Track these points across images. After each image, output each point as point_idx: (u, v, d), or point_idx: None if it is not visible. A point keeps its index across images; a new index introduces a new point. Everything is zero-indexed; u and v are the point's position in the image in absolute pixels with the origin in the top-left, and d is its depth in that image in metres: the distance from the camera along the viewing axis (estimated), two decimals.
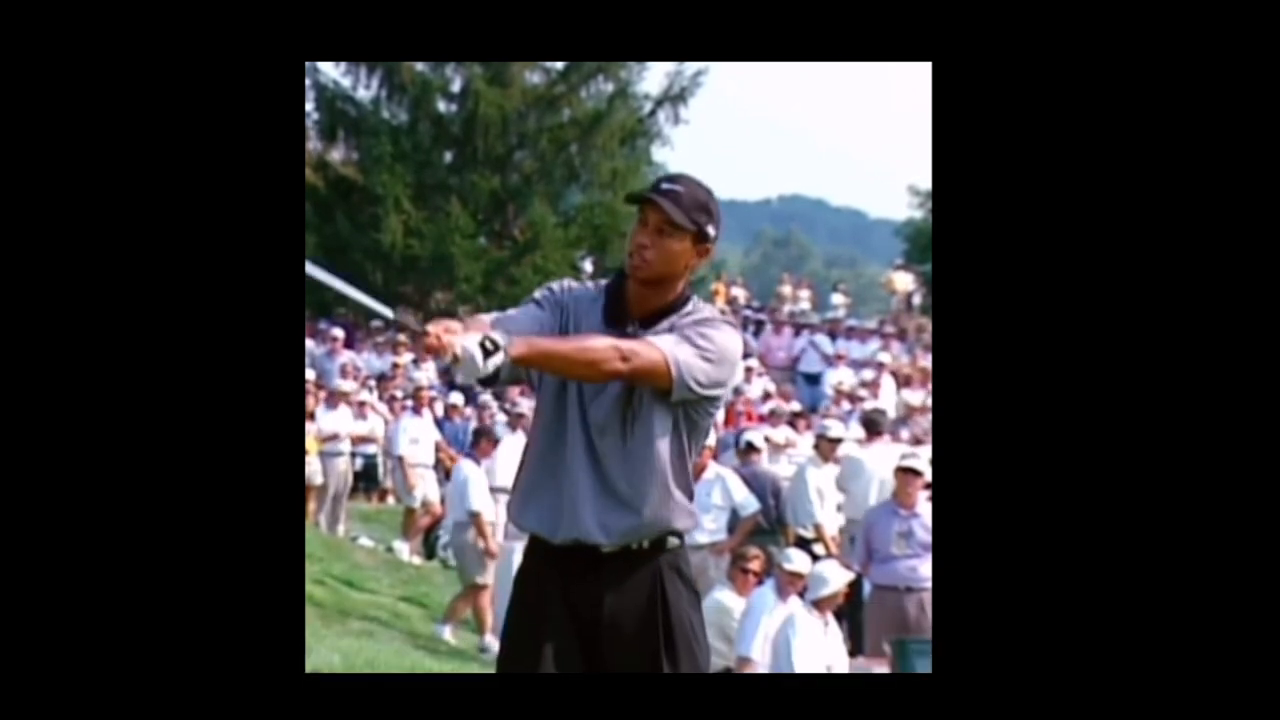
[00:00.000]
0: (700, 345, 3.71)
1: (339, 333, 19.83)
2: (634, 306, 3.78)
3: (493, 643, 11.76)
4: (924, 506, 10.05)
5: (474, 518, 11.99)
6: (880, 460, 12.42)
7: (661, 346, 3.68)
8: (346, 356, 19.18)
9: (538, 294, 3.86)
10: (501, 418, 16.02)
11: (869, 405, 16.93)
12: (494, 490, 12.12)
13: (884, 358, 22.52)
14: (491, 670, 4.05)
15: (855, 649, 10.50)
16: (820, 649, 9.39)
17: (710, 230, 3.75)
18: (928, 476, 10.54)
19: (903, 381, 20.70)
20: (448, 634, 11.85)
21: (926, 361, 21.63)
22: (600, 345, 3.62)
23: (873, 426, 13.10)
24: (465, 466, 12.48)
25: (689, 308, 3.81)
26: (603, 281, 3.90)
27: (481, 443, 12.99)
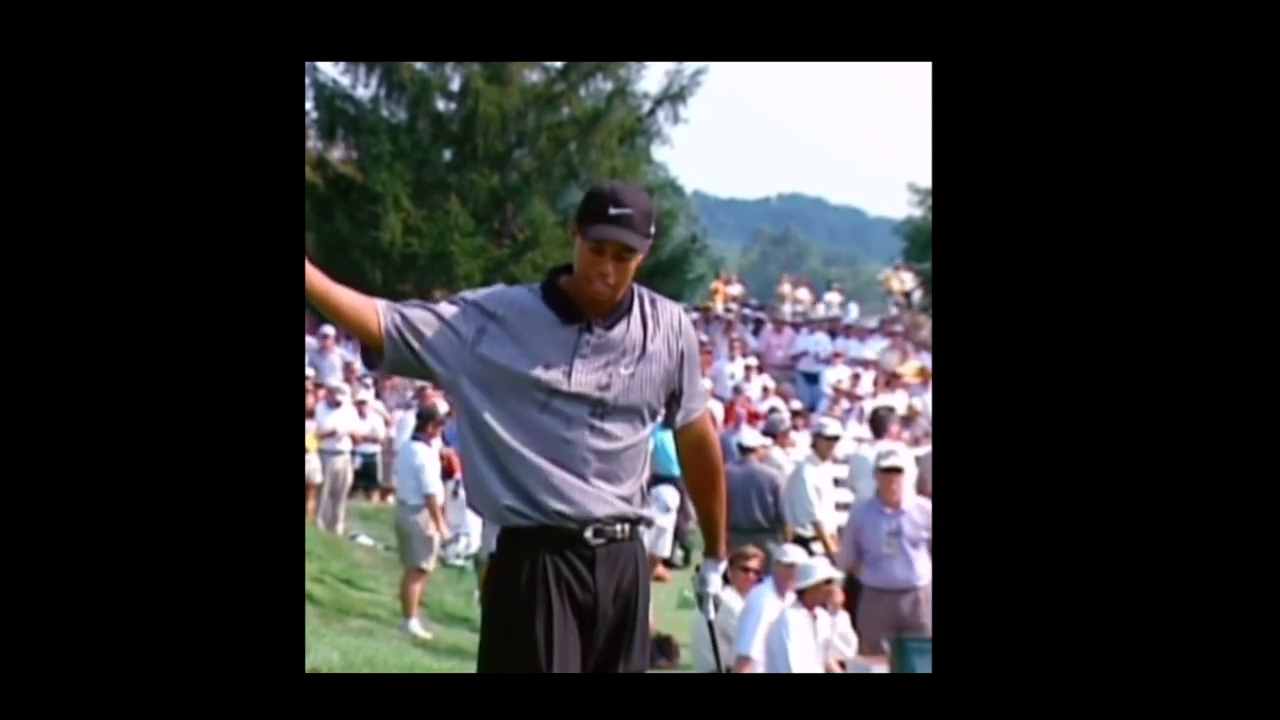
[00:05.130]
0: (700, 367, 4.05)
1: (330, 330, 19.84)
2: (589, 308, 3.80)
3: (416, 625, 11.78)
4: (909, 503, 10.02)
5: (428, 500, 11.96)
6: None
7: (704, 407, 4.07)
8: (339, 354, 19.20)
9: (463, 306, 3.84)
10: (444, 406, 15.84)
11: (876, 403, 16.95)
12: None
13: (883, 356, 22.56)
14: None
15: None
16: (814, 645, 9.42)
17: (653, 230, 3.81)
18: (910, 473, 10.58)
19: (896, 381, 20.70)
20: (415, 626, 11.82)
21: (924, 360, 21.65)
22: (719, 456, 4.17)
23: (880, 424, 13.09)
24: (418, 450, 12.26)
25: (638, 299, 3.88)
26: (536, 286, 3.90)
27: (428, 425, 12.62)
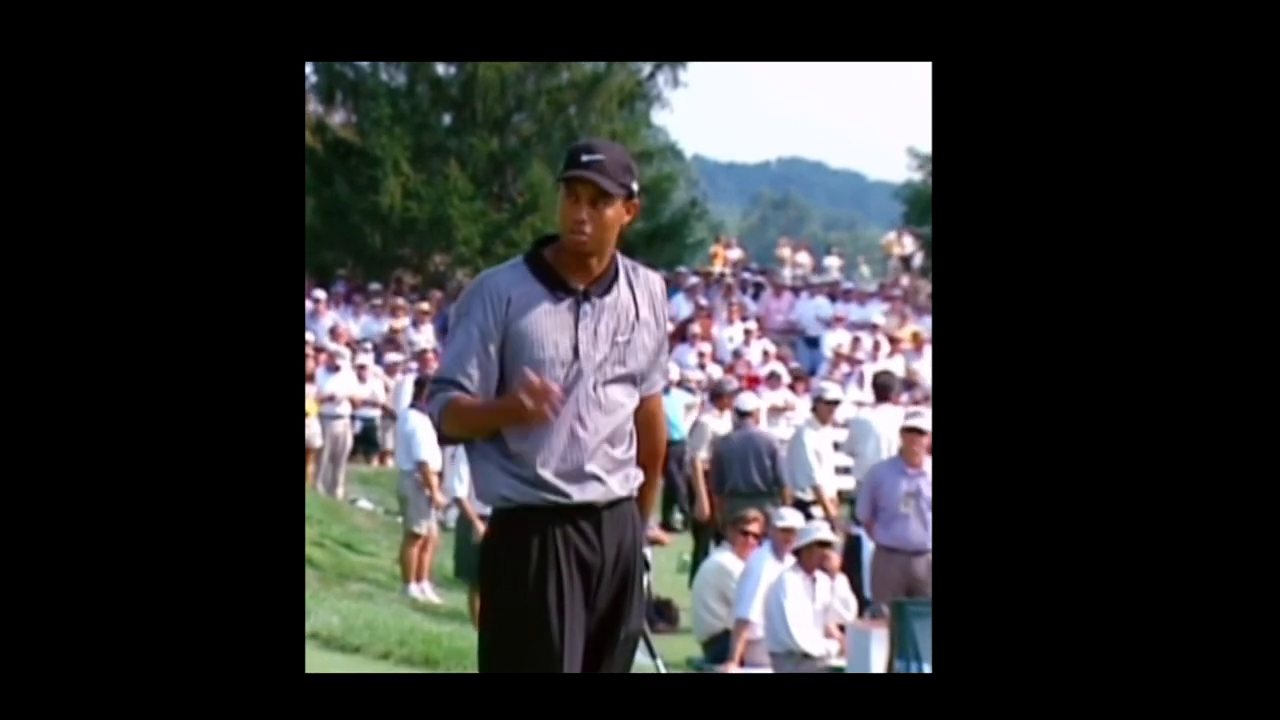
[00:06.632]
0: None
1: (320, 294, 19.85)
2: (577, 275, 3.86)
3: (415, 589, 11.86)
4: (930, 465, 9.98)
5: (420, 467, 12.02)
6: (889, 422, 12.41)
7: (663, 383, 4.08)
8: (331, 318, 19.21)
9: (476, 331, 3.81)
10: None
11: (878, 367, 16.93)
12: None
13: (881, 320, 22.54)
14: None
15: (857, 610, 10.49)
16: (812, 607, 9.46)
17: (635, 187, 3.88)
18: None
19: (895, 345, 20.67)
20: (416, 591, 11.90)
21: (922, 324, 21.64)
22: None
23: (883, 389, 13.07)
24: (411, 417, 12.33)
25: (622, 266, 3.93)
26: (518, 261, 3.93)
27: (425, 392, 12.69)
